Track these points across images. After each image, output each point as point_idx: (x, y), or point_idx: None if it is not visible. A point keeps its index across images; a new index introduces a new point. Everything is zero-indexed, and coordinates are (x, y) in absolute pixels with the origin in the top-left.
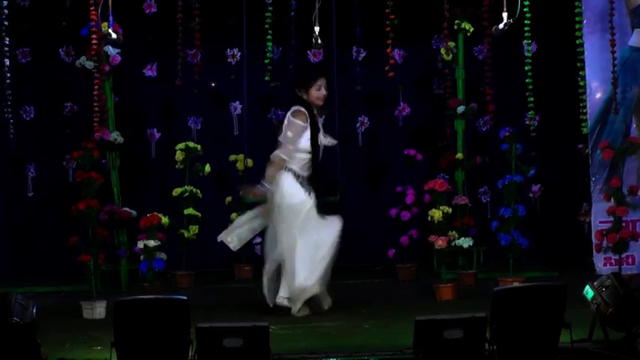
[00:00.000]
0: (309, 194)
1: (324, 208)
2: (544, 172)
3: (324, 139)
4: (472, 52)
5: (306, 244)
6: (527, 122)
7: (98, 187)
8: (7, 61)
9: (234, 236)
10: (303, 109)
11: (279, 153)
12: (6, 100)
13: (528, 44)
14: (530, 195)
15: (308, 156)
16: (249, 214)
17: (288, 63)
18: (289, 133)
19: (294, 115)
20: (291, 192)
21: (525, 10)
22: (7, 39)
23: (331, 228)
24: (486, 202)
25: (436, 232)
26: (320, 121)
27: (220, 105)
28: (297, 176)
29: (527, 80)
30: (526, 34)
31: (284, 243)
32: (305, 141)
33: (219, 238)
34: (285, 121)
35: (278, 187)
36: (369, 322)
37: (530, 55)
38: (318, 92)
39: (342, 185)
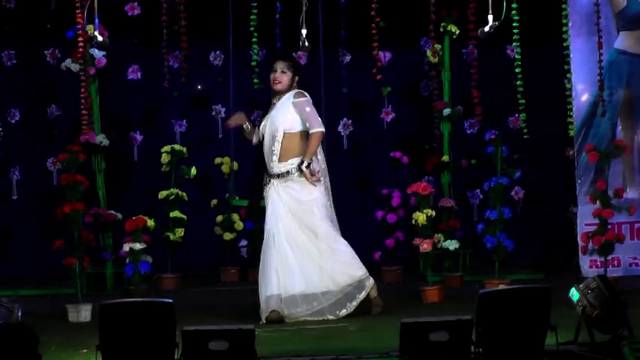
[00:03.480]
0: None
1: None
2: (530, 175)
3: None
4: (458, 54)
5: None
6: (516, 126)
7: (83, 190)
8: None
9: None
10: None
11: (319, 128)
12: None
13: (517, 46)
14: (517, 198)
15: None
16: None
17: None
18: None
19: (300, 94)
20: None
21: (513, 12)
22: None
23: None
24: (472, 205)
25: (421, 235)
26: (279, 104)
27: (205, 107)
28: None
29: (517, 83)
30: (514, 36)
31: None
32: None
33: None
34: (303, 104)
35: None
36: (355, 324)
37: (519, 57)
38: (271, 75)
39: None
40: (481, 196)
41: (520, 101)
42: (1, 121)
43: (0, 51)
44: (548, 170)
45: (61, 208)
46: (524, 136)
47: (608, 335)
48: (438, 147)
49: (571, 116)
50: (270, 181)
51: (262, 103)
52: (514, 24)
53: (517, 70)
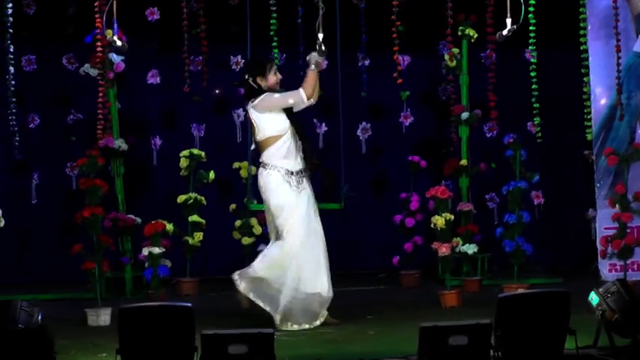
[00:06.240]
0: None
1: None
2: (549, 179)
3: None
4: (477, 58)
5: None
6: (532, 129)
7: (102, 194)
8: (11, 69)
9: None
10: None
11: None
12: (11, 108)
13: (533, 50)
14: (537, 202)
15: (287, 140)
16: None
17: (293, 70)
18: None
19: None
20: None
21: (530, 16)
22: (12, 47)
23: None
24: (491, 209)
25: (439, 239)
26: None
27: (224, 112)
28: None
29: (532, 87)
30: (531, 40)
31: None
32: (280, 123)
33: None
34: (263, 102)
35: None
36: (374, 328)
37: (535, 61)
38: (275, 76)
39: (345, 192)
40: (498, 200)
41: (534, 105)
42: (21, 126)
43: (20, 56)
44: (567, 173)
45: (80, 213)
46: (538, 140)
47: (628, 339)
48: (455, 151)
49: (589, 120)
50: (297, 177)
51: None
52: (531, 27)
53: (532, 74)
